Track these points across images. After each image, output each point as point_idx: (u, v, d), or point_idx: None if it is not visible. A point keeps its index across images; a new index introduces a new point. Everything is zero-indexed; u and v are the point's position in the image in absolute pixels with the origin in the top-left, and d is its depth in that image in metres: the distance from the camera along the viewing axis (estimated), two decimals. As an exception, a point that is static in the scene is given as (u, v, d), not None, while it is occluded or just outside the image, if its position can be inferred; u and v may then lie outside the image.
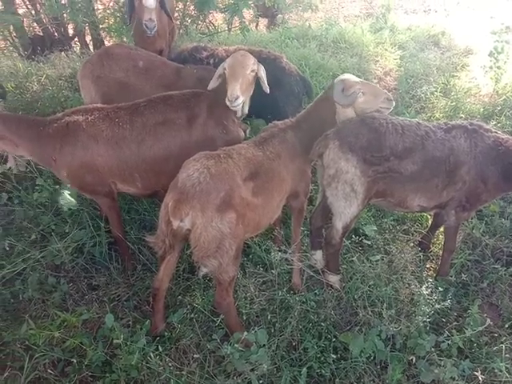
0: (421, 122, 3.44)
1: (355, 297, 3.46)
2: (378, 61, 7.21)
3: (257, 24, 9.43)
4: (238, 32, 7.49)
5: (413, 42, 7.91)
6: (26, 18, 6.77)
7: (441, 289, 3.24)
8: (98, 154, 3.36)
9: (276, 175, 3.21)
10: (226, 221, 2.83)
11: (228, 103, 3.36)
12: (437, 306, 3.14)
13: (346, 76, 3.54)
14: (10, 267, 3.42)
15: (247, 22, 7.49)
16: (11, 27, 6.91)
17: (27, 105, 5.33)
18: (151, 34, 4.64)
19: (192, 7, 7.84)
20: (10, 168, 3.54)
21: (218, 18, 9.04)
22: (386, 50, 7.53)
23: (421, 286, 3.29)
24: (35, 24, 7.45)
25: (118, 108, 3.48)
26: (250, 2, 6.11)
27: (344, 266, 3.73)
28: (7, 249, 3.47)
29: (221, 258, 2.89)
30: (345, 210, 3.34)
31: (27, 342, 3.11)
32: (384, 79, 6.76)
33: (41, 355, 3.02)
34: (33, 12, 6.91)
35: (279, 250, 3.29)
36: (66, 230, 3.53)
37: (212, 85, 3.55)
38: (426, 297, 3.19)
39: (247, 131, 3.64)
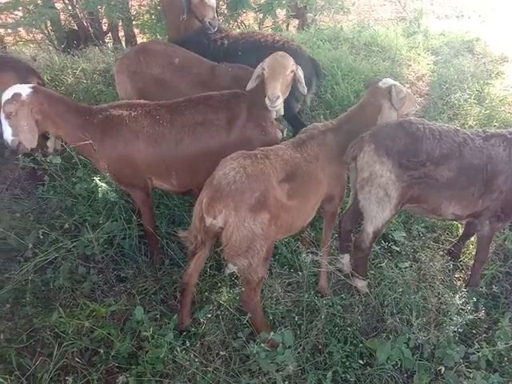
0: (459, 128, 3.38)
1: (383, 303, 3.43)
2: (410, 65, 7.12)
3: (288, 24, 9.42)
4: (270, 31, 7.51)
5: (446, 48, 7.77)
6: (63, 12, 6.89)
7: (474, 299, 3.18)
8: (137, 150, 3.39)
9: (313, 178, 3.19)
10: (259, 221, 2.83)
11: (268, 103, 3.35)
12: (469, 316, 3.08)
13: (391, 81, 3.60)
14: (43, 255, 3.48)
15: (280, 23, 7.48)
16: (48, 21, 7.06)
17: (62, 97, 5.42)
18: (214, 31, 4.68)
19: (224, 6, 7.88)
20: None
21: (249, 18, 9.07)
22: (419, 54, 7.43)
23: (453, 296, 3.24)
24: (70, 18, 7.59)
25: (159, 106, 3.51)
26: (283, 2, 6.09)
27: (372, 272, 3.69)
28: (41, 237, 3.54)
29: (251, 258, 2.89)
30: (377, 214, 3.30)
31: (56, 330, 3.15)
32: (416, 84, 6.66)
33: (69, 343, 3.06)
34: (69, 7, 7.03)
35: (310, 252, 3.28)
36: (100, 221, 3.57)
37: (250, 85, 3.55)
38: (459, 307, 3.13)
39: (284, 132, 3.63)
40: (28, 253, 3.56)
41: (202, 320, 3.29)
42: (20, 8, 6.32)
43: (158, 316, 3.29)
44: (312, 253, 3.30)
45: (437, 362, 3.07)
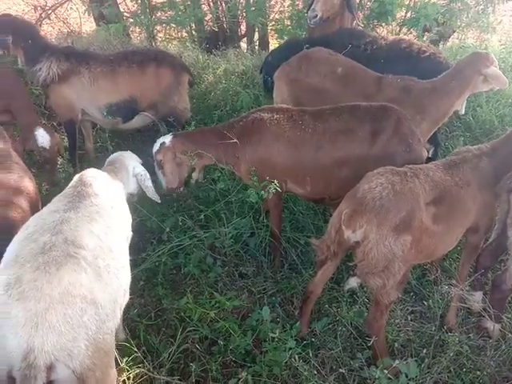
0: None
1: (518, 352, 3.11)
2: None
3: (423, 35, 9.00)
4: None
5: None
6: (210, 14, 7.29)
7: None
8: (277, 153, 3.45)
9: (461, 205, 2.99)
10: (401, 242, 2.71)
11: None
12: None
13: None
14: (177, 241, 3.69)
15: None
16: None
17: (202, 95, 5.73)
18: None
19: (362, 17, 7.76)
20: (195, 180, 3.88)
21: (384, 30, 8.82)
22: None
23: None
24: (214, 20, 8.00)
25: (302, 111, 3.55)
26: (432, 18, 5.83)
27: (508, 316, 3.37)
28: (180, 223, 3.75)
29: (386, 278, 2.78)
30: (527, 255, 3.00)
31: (182, 314, 3.32)
32: None
33: (192, 329, 3.20)
34: (216, 9, 7.41)
35: (450, 284, 3.08)
36: (234, 217, 3.71)
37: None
38: None
39: (430, 151, 3.46)
40: (164, 236, 3.78)
41: (318, 332, 3.26)
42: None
43: (279, 319, 3.31)
44: (450, 285, 3.09)
45: None
